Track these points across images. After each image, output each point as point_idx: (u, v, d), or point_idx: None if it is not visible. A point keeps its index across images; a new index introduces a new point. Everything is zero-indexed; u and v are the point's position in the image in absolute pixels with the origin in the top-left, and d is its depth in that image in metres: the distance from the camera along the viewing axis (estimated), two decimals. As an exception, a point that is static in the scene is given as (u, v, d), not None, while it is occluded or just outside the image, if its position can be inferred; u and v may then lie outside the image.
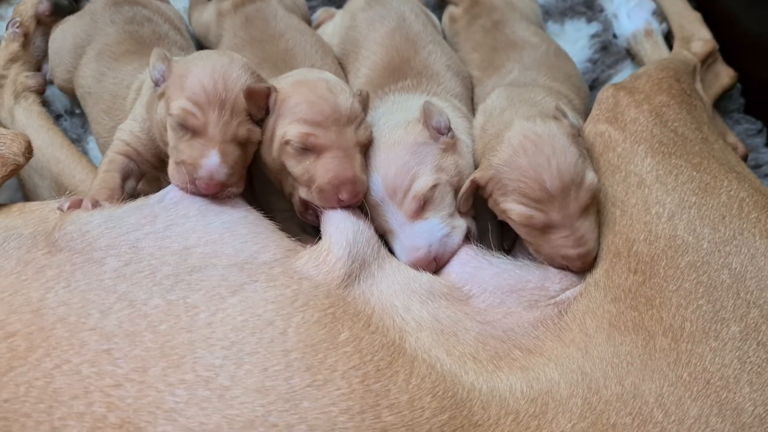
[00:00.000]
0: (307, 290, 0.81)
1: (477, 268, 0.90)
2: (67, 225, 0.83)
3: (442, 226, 0.91)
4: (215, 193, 0.86)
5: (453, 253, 0.92)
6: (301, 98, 0.88)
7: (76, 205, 0.86)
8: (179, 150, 0.86)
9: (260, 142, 0.90)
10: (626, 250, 0.87)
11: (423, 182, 0.90)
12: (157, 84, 0.90)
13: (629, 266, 0.86)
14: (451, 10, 1.29)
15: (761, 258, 0.84)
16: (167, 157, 0.90)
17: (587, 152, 0.92)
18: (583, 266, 0.89)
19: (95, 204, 0.87)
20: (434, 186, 0.91)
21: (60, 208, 0.87)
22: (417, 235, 0.91)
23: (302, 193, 0.90)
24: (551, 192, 0.85)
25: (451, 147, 0.94)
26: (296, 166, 0.89)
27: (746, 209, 0.88)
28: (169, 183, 0.90)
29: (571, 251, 0.87)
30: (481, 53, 1.18)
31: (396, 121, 0.95)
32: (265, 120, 0.90)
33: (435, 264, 0.91)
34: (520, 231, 0.91)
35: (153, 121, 0.92)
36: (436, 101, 1.02)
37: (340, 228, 0.87)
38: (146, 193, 0.98)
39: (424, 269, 0.90)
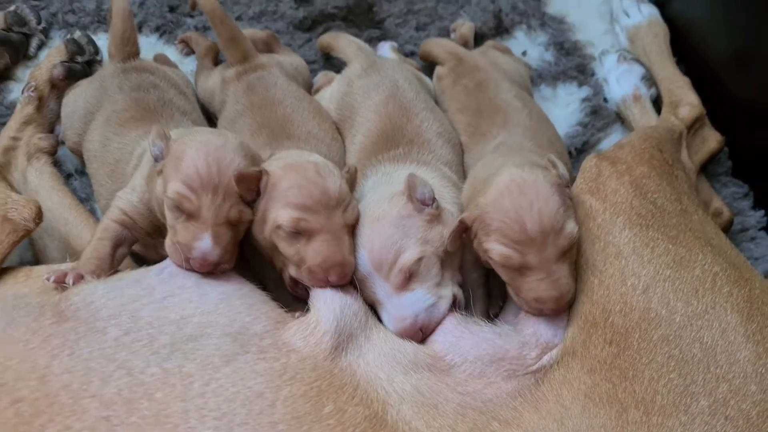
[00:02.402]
0: (294, 363, 0.85)
1: (459, 338, 0.93)
2: (73, 296, 0.88)
3: (428, 296, 0.95)
4: (209, 271, 0.92)
5: (438, 323, 0.95)
6: (292, 182, 0.93)
7: (61, 279, 0.92)
8: (175, 230, 0.92)
9: (251, 221, 0.95)
10: (603, 321, 0.90)
11: (408, 256, 0.93)
12: (156, 160, 0.95)
13: (605, 337, 0.89)
14: (438, 69, 1.33)
15: (732, 332, 0.86)
16: (164, 226, 0.96)
17: (572, 202, 0.96)
18: (556, 309, 0.92)
19: (78, 279, 0.92)
20: (419, 259, 0.94)
21: (47, 279, 0.92)
22: (404, 306, 0.94)
23: (292, 271, 0.95)
24: (530, 234, 0.89)
25: (436, 218, 0.97)
26: (287, 248, 0.93)
27: (719, 283, 0.91)
28: (163, 246, 0.95)
29: (545, 294, 0.91)
30: (466, 116, 1.22)
31: (381, 195, 0.99)
32: (257, 200, 0.95)
33: (421, 334, 0.95)
34: (500, 271, 0.94)
35: (152, 194, 0.97)
36: (423, 171, 1.06)
37: (327, 303, 0.92)
38: (143, 256, 1.03)
39: (410, 338, 0.94)
